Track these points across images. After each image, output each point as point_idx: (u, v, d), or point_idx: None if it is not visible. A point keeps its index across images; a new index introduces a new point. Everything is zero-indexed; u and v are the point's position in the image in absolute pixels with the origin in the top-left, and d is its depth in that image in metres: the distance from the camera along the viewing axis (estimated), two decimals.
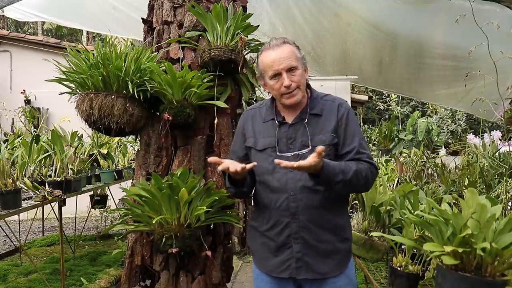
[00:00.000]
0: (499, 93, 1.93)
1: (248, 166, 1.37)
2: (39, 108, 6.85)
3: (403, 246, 1.54)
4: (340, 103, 1.51)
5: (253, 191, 1.59)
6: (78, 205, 4.67)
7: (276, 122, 1.50)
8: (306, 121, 1.46)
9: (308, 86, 1.55)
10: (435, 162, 2.59)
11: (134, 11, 4.45)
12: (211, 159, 1.40)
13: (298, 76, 1.43)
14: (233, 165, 1.36)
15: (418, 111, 7.93)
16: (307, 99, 1.52)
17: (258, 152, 1.50)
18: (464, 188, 1.95)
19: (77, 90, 1.99)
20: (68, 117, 3.93)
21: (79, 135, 3.61)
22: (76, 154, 3.38)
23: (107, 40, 1.99)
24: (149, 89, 1.97)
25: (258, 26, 2.18)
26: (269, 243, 1.49)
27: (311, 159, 1.24)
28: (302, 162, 1.25)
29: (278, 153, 1.45)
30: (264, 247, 1.51)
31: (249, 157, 1.55)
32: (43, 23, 14.40)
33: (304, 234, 1.42)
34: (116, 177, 4.06)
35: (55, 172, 3.05)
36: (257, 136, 1.52)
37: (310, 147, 1.42)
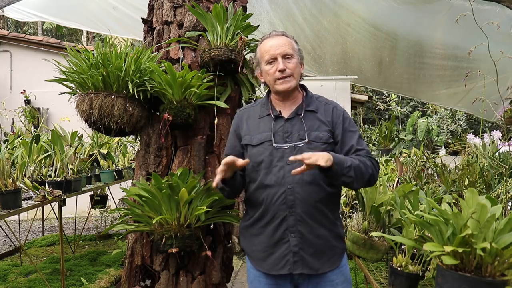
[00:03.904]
0: (499, 93, 1.93)
1: (240, 162, 1.38)
2: (39, 108, 6.85)
3: (403, 246, 1.54)
4: (335, 106, 1.57)
5: (242, 191, 1.61)
6: (78, 205, 4.68)
7: (272, 116, 1.52)
8: (302, 115, 1.50)
9: (303, 87, 1.61)
10: (435, 162, 2.59)
11: (134, 11, 4.45)
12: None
13: (293, 64, 1.48)
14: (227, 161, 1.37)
15: (418, 111, 7.93)
16: (302, 97, 1.56)
17: (254, 147, 1.51)
18: (464, 188, 1.95)
19: (77, 90, 1.99)
20: (68, 117, 3.94)
21: (79, 135, 3.62)
22: (76, 154, 3.38)
23: (107, 40, 1.99)
24: (149, 89, 1.97)
25: (258, 26, 2.19)
26: (265, 240, 1.48)
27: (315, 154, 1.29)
28: (310, 155, 1.28)
29: (274, 145, 1.47)
30: (260, 246, 1.50)
31: (246, 155, 1.56)
32: (43, 23, 14.41)
33: (301, 228, 1.43)
34: (116, 177, 4.06)
35: (55, 172, 3.05)
36: (252, 133, 1.54)
37: (307, 140, 1.45)
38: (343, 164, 1.35)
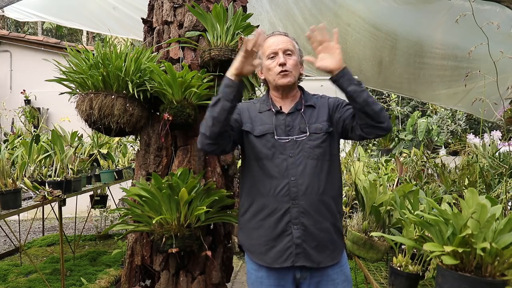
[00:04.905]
0: (499, 93, 1.93)
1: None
2: (39, 108, 6.85)
3: (403, 246, 1.54)
4: (329, 97, 1.64)
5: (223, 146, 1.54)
6: (78, 205, 4.67)
7: (273, 110, 1.55)
8: (302, 111, 1.54)
9: (299, 87, 1.65)
10: (435, 162, 2.59)
11: (134, 11, 4.45)
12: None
13: (293, 61, 1.53)
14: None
15: (418, 111, 7.93)
16: (301, 95, 1.61)
17: (256, 138, 1.53)
18: (464, 188, 1.94)
19: (77, 90, 1.99)
20: (68, 117, 3.94)
21: (79, 135, 3.62)
22: (76, 154, 3.38)
23: (107, 40, 1.99)
24: (149, 89, 1.97)
25: (258, 26, 2.19)
26: (266, 234, 1.48)
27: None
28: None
29: (276, 137, 1.49)
30: (259, 240, 1.49)
31: (246, 142, 1.55)
32: (43, 23, 14.41)
33: (304, 220, 1.43)
34: (116, 177, 4.06)
35: (55, 172, 3.05)
36: (254, 123, 1.56)
37: (308, 133, 1.49)
38: (351, 75, 1.41)
